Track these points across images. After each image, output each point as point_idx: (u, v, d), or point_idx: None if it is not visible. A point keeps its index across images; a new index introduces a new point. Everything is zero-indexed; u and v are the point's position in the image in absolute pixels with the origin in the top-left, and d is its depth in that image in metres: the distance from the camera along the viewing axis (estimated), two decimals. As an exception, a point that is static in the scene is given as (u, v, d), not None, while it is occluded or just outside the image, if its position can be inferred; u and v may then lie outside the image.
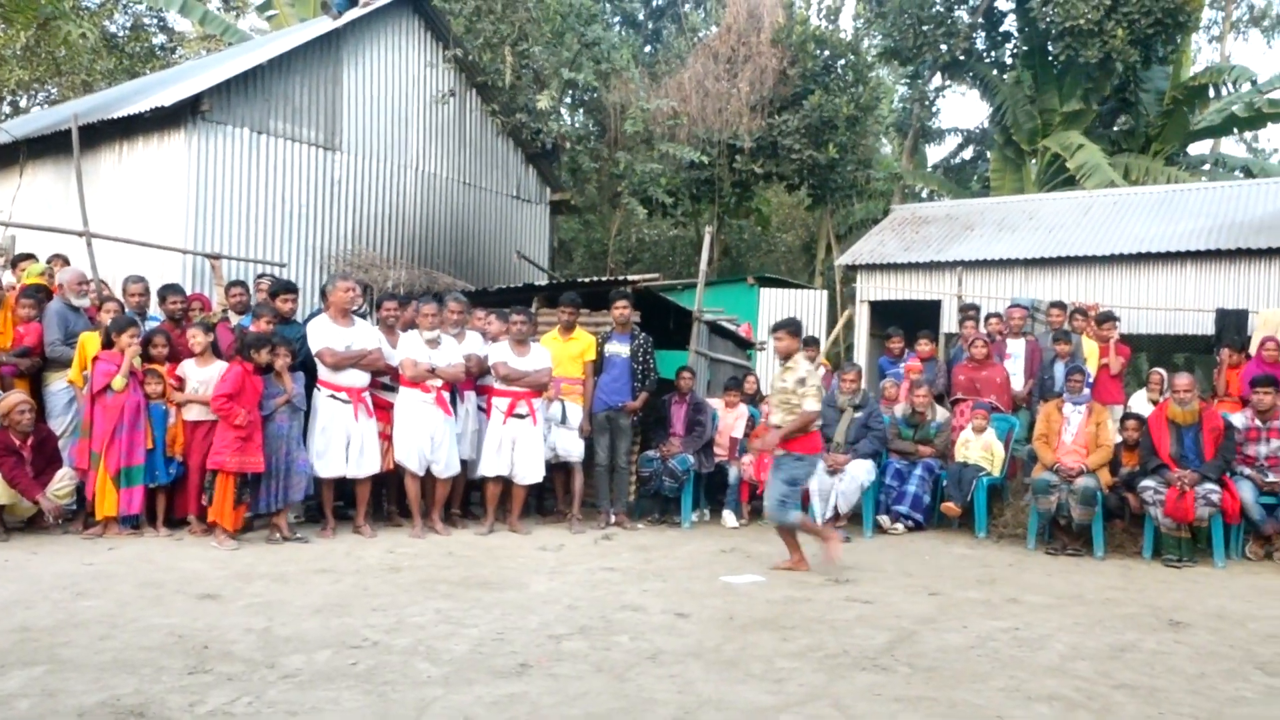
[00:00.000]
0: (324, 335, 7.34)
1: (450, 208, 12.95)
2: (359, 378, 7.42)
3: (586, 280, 10.63)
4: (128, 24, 21.88)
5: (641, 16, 23.77)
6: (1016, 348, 9.66)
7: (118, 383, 6.81)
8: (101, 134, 10.45)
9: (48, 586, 5.38)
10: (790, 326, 6.64)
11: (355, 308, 7.79)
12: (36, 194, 11.10)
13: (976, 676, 4.31)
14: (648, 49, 22.98)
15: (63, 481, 6.86)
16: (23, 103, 21.20)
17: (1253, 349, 9.66)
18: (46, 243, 9.31)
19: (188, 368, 7.28)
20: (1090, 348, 9.46)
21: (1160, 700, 4.07)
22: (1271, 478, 7.49)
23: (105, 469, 6.81)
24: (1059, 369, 8.95)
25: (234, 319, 8.14)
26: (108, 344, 7.03)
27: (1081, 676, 4.37)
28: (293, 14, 18.17)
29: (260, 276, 8.74)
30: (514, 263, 13.74)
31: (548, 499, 8.68)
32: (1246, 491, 7.40)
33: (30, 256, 8.64)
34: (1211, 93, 20.50)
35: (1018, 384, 9.46)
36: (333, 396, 7.31)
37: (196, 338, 7.28)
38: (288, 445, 6.99)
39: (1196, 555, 7.41)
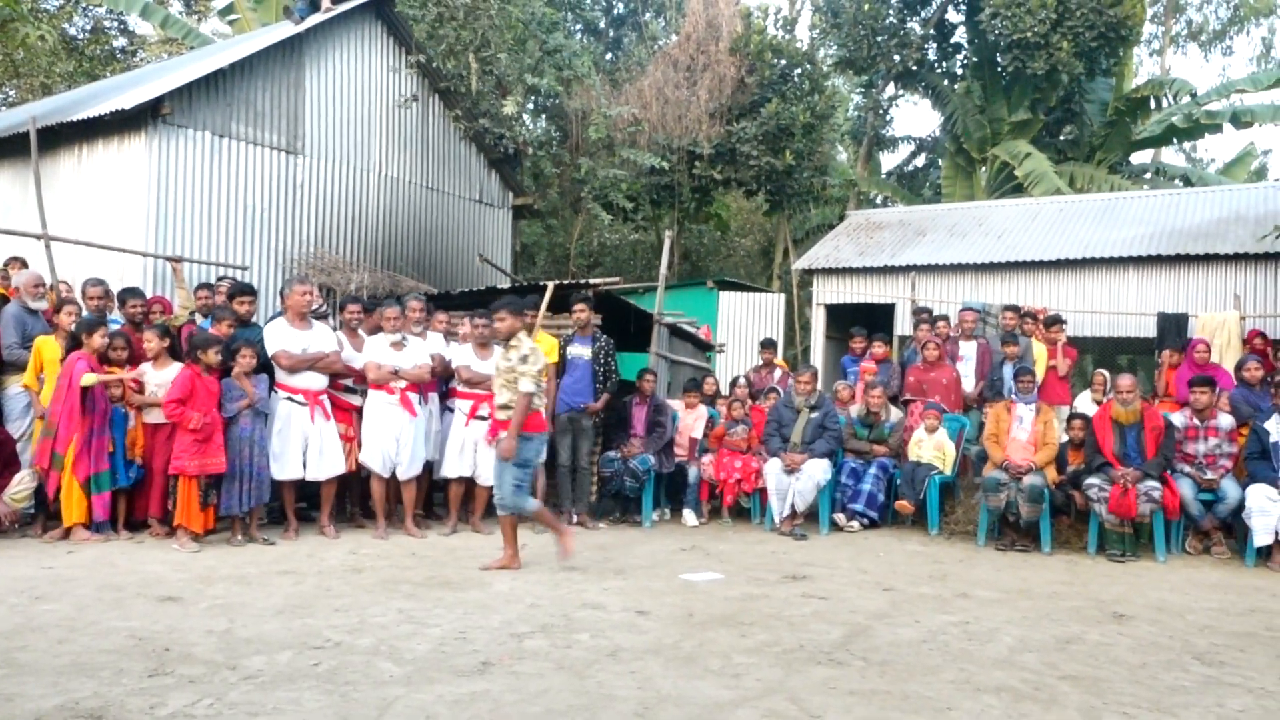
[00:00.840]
0: (280, 338, 7.34)
1: (413, 212, 12.95)
2: (316, 380, 7.42)
3: (548, 284, 10.66)
4: (88, 26, 21.56)
5: (603, 25, 23.86)
6: (968, 350, 9.89)
7: (88, 379, 6.77)
8: (61, 137, 10.31)
9: (4, 590, 5.32)
10: (510, 306, 6.39)
11: (315, 309, 7.78)
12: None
13: (928, 669, 4.43)
14: (609, 56, 23.08)
15: (21, 485, 6.79)
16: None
17: (1215, 352, 10.01)
18: (4, 245, 9.18)
19: (146, 371, 7.24)
20: (1039, 350, 9.71)
21: (1104, 690, 4.22)
22: (1209, 474, 7.75)
23: (74, 475, 6.75)
24: (1008, 370, 9.18)
25: (199, 321, 8.11)
26: (75, 346, 6.98)
27: (1029, 668, 4.51)
28: (255, 18, 18.00)
29: (220, 279, 8.70)
30: (477, 266, 13.75)
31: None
32: (1186, 489, 7.65)
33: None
34: (1152, 104, 21.04)
35: (969, 385, 9.68)
36: (289, 399, 7.31)
37: (150, 341, 7.24)
38: (251, 449, 6.98)
39: (1138, 550, 7.65)
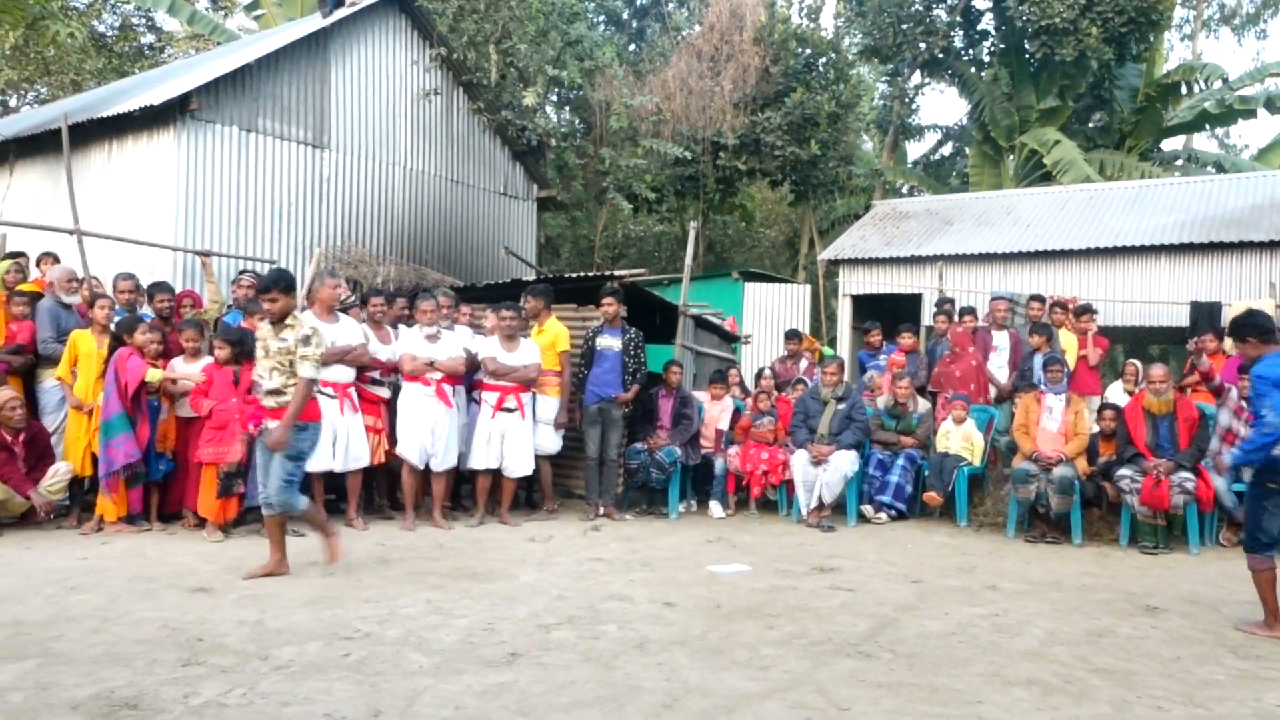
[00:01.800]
0: (310, 332, 7.39)
1: (438, 204, 13.00)
2: (344, 373, 7.46)
3: (573, 275, 10.69)
4: (116, 24, 21.80)
5: (625, 15, 23.82)
6: (1001, 340, 9.80)
7: (153, 374, 6.94)
8: (91, 133, 10.45)
9: (40, 581, 5.41)
10: (281, 283, 5.64)
11: (342, 302, 7.85)
12: (26, 193, 11.09)
13: (956, 662, 4.40)
14: (632, 47, 23.05)
15: (56, 476, 6.90)
16: (12, 102, 21.12)
17: (1229, 341, 9.83)
18: (37, 241, 9.32)
19: (177, 365, 7.33)
20: (1069, 340, 9.60)
21: (1135, 684, 4.18)
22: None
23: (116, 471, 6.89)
24: (1038, 360, 9.09)
25: (225, 314, 8.20)
26: (116, 343, 7.11)
27: (1059, 661, 4.47)
28: (280, 14, 18.13)
29: (241, 273, 8.78)
30: (501, 259, 13.79)
31: (535, 492, 8.76)
32: (1219, 480, 7.55)
33: (21, 254, 8.66)
34: (1184, 90, 20.75)
35: (1002, 376, 9.60)
36: (319, 391, 7.34)
37: (192, 340, 7.37)
38: None
39: (1171, 542, 7.56)
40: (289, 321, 5.63)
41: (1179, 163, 22.40)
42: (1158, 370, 7.81)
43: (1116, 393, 9.05)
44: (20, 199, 11.06)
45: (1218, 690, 4.15)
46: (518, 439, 7.85)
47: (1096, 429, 8.22)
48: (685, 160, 16.92)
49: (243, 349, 7.13)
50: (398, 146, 12.46)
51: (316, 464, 7.26)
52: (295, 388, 5.57)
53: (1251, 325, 5.27)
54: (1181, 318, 12.31)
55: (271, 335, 5.64)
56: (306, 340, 5.54)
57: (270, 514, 5.71)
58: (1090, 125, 21.91)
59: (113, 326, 7.30)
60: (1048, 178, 19.12)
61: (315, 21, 11.68)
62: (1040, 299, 10.39)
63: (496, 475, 7.96)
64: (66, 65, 18.20)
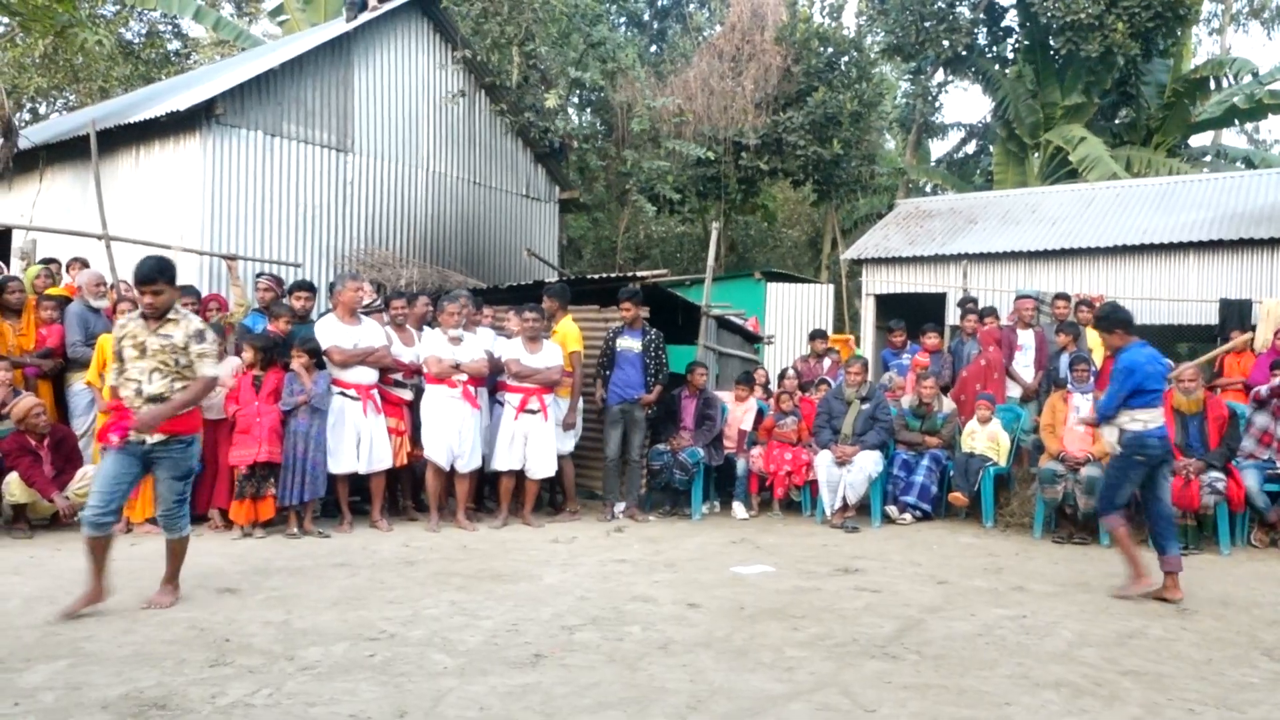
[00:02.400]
0: (332, 333, 7.45)
1: (461, 207, 13.05)
2: (367, 375, 7.53)
3: (595, 277, 10.69)
4: (143, 31, 22.09)
5: (646, 16, 23.82)
6: (1027, 339, 9.72)
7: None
8: (119, 139, 10.57)
9: (71, 582, 5.45)
10: (167, 274, 4.91)
11: (367, 304, 7.90)
12: (56, 198, 11.24)
13: (984, 664, 4.37)
14: (653, 48, 23.04)
15: (83, 481, 6.96)
16: (42, 109, 21.43)
17: (1260, 338, 9.73)
18: (67, 246, 9.44)
19: (199, 368, 7.42)
20: (1095, 339, 9.50)
21: (1167, 686, 4.13)
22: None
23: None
24: (1064, 360, 9.00)
25: (245, 319, 8.26)
26: None
27: (1088, 663, 4.42)
28: (304, 19, 18.29)
29: (259, 275, 8.83)
30: (524, 260, 13.83)
31: (557, 493, 8.77)
32: (1251, 480, 7.45)
33: (53, 260, 8.78)
34: (1212, 85, 20.51)
35: (1028, 376, 9.52)
36: (342, 393, 7.41)
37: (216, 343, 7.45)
38: (306, 443, 7.09)
39: (1201, 543, 7.47)
40: (171, 316, 4.94)
41: (1207, 159, 22.14)
42: (1187, 369, 7.72)
43: (1145, 392, 8.92)
44: (51, 204, 11.21)
45: (1251, 693, 4.09)
46: (540, 440, 7.87)
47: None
48: (707, 161, 16.90)
49: (269, 353, 7.23)
50: (420, 149, 12.52)
51: (341, 466, 7.33)
52: (191, 388, 4.91)
53: (1118, 319, 6.12)
54: (1211, 316, 12.16)
55: (147, 332, 4.92)
56: (201, 336, 4.96)
57: (91, 535, 4.82)
58: (1116, 121, 21.70)
59: None
60: (1073, 175, 18.95)
61: (338, 26, 11.77)
62: (1065, 297, 10.29)
63: (519, 477, 7.97)
64: (94, 72, 18.45)
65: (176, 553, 5.18)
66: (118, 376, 5.00)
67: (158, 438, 4.88)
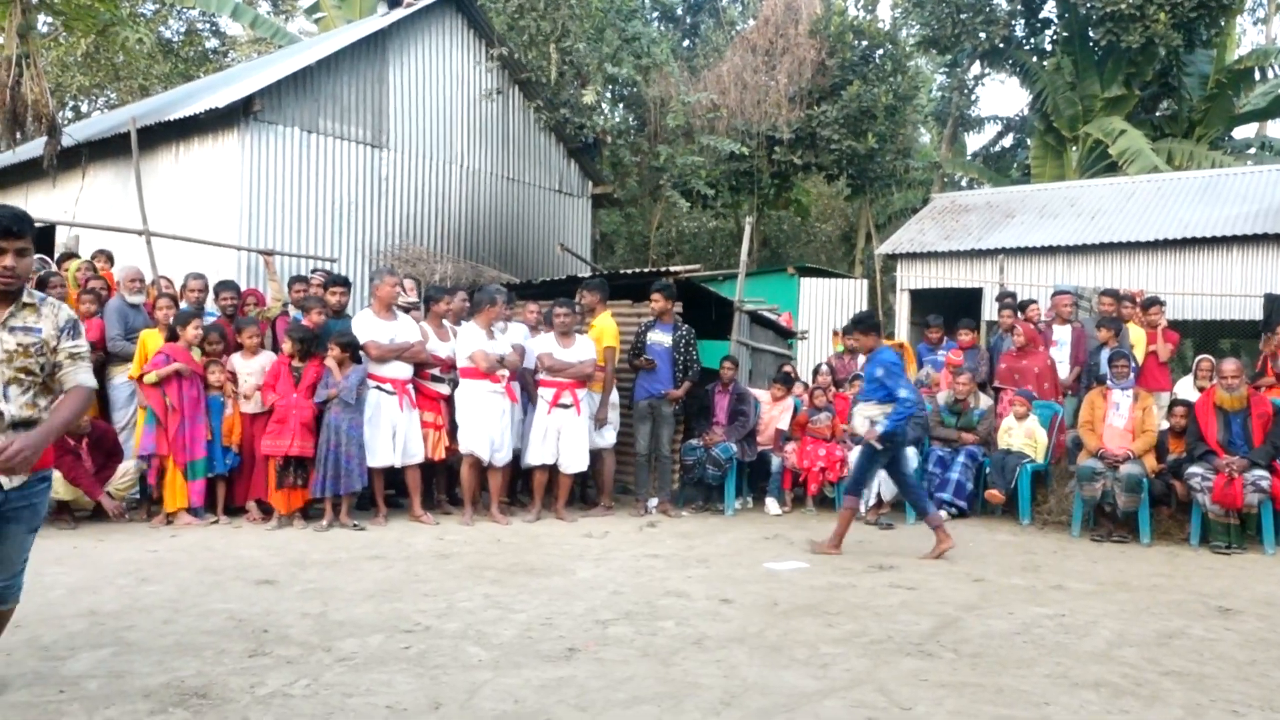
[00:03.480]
0: (368, 329, 7.51)
1: (495, 202, 13.10)
2: (403, 370, 7.58)
3: (628, 272, 10.70)
4: (182, 29, 22.43)
5: (680, 11, 23.76)
6: (1063, 334, 9.60)
7: (149, 377, 7.11)
8: (159, 136, 10.72)
9: (113, 572, 5.56)
10: (29, 227, 3.32)
11: (405, 304, 7.97)
12: (98, 195, 11.42)
13: (1022, 663, 4.32)
14: (686, 43, 22.98)
15: (125, 476, 7.10)
16: (84, 107, 21.80)
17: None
18: (108, 242, 9.60)
19: (236, 361, 7.52)
20: (1137, 334, 9.37)
21: (1209, 687, 4.06)
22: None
23: (175, 463, 7.07)
24: (1104, 355, 8.88)
25: (293, 312, 8.37)
26: (173, 338, 7.32)
27: (1129, 663, 4.36)
28: (340, 15, 18.45)
29: (314, 271, 8.96)
30: (557, 256, 13.86)
31: (590, 488, 8.79)
32: (1299, 478, 7.30)
33: (74, 256, 8.92)
34: (1257, 75, 20.13)
35: (1064, 371, 9.40)
36: (379, 388, 7.47)
37: (253, 336, 7.54)
38: (338, 436, 7.16)
39: (1245, 542, 7.33)
40: (28, 300, 3.34)
41: (1251, 151, 21.71)
42: (1230, 365, 7.58)
43: (1186, 388, 8.80)
44: (93, 201, 11.39)
45: (1297, 695, 4.01)
46: (573, 435, 7.89)
47: (1166, 425, 8.00)
48: (740, 155, 16.84)
49: (309, 345, 7.32)
50: (455, 145, 12.58)
51: (377, 459, 7.39)
52: (67, 403, 3.34)
53: (865, 322, 7.00)
54: (1255, 310, 11.92)
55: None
56: (75, 329, 3.42)
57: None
58: (1157, 114, 21.34)
59: (170, 321, 7.51)
60: (1113, 169, 18.68)
61: (374, 23, 11.86)
62: (1113, 294, 10.13)
63: (553, 471, 8.00)
64: (135, 70, 18.76)
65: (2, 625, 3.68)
66: None
67: (17, 480, 3.29)
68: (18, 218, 3.28)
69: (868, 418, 6.76)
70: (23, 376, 3.30)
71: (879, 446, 6.70)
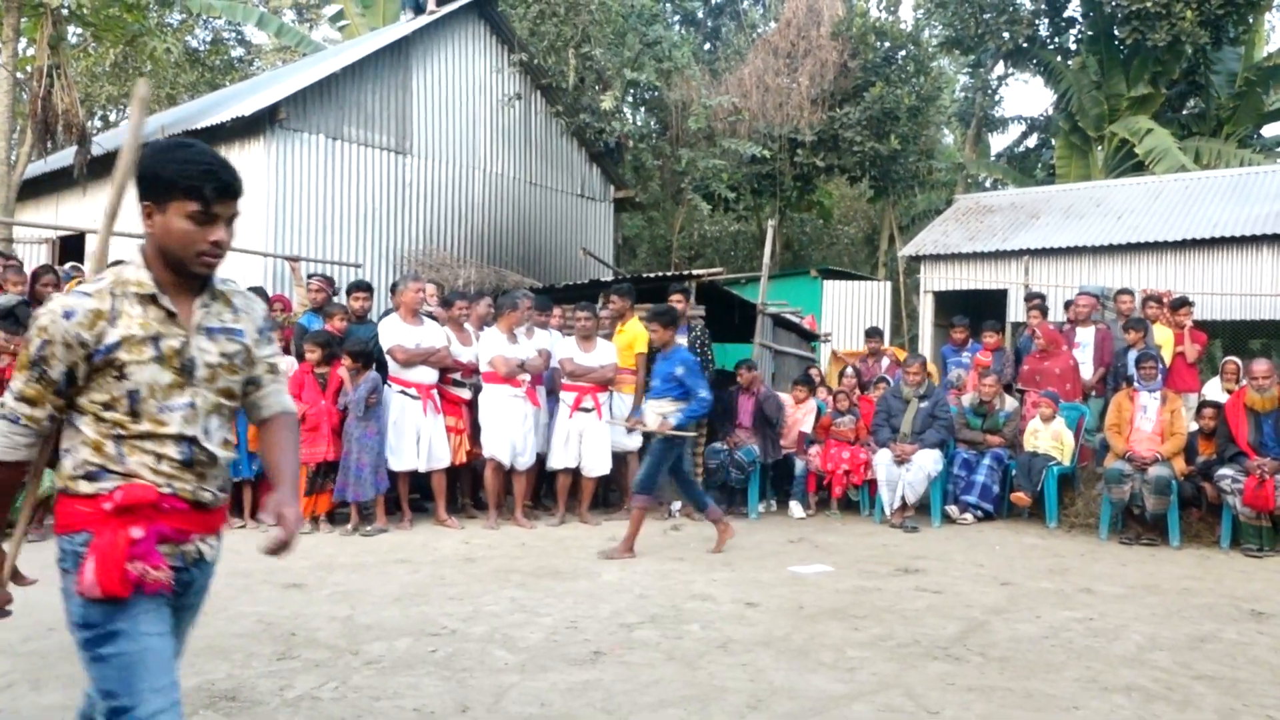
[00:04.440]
0: (394, 333, 7.56)
1: (517, 207, 13.16)
2: (428, 374, 7.63)
3: (651, 275, 10.71)
4: (208, 38, 22.69)
5: (701, 15, 23.77)
6: (1086, 336, 9.52)
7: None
8: (185, 144, 10.83)
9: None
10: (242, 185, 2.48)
11: (426, 306, 8.00)
12: (127, 203, 11.52)
13: (1051, 667, 4.29)
14: (707, 47, 22.99)
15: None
16: (112, 117, 22.06)
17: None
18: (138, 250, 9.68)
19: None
20: (1164, 335, 9.27)
21: (1243, 691, 4.02)
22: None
23: None
24: (1131, 357, 8.79)
25: (300, 319, 8.40)
26: None
27: (1160, 667, 4.32)
28: (364, 23, 18.60)
29: (311, 276, 8.95)
30: (580, 260, 13.90)
31: (613, 491, 8.80)
32: (1330, 481, 7.19)
33: (120, 263, 9.00)
34: (1286, 73, 19.85)
35: (1087, 373, 9.32)
36: (403, 392, 7.52)
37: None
38: (351, 445, 7.22)
39: (1277, 544, 7.23)
40: (221, 286, 2.44)
41: (1281, 149, 21.44)
42: (1261, 365, 7.49)
43: (1215, 390, 8.70)
44: (122, 209, 11.51)
45: (1332, 700, 3.96)
46: (595, 439, 7.90)
47: (1195, 427, 7.91)
48: (762, 158, 16.82)
49: (331, 351, 7.39)
50: (478, 151, 12.64)
51: (402, 464, 7.44)
52: (288, 443, 2.46)
53: (664, 316, 6.88)
54: (1286, 311, 11.79)
55: (186, 328, 2.28)
56: (271, 329, 2.55)
57: None
58: (1185, 112, 21.09)
59: None
60: (1139, 168, 18.48)
61: (398, 30, 11.93)
62: (1129, 292, 10.04)
63: (576, 474, 8.02)
64: (162, 79, 18.97)
65: None
66: (106, 426, 2.16)
67: (210, 544, 2.37)
68: (236, 174, 2.37)
69: (661, 414, 6.74)
70: (224, 402, 2.31)
71: (675, 435, 6.65)
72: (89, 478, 2.14)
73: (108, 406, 2.14)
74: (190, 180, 2.22)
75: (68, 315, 2.13)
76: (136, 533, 2.13)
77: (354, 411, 7.25)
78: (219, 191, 2.25)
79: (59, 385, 2.13)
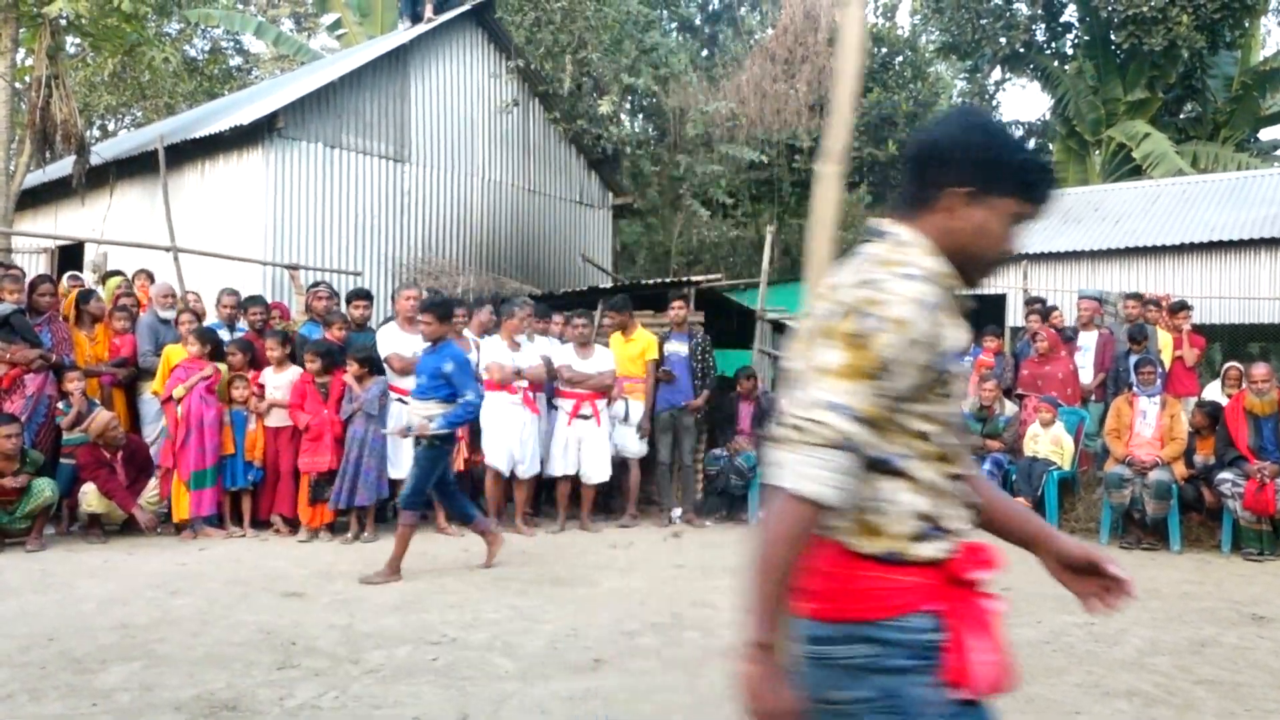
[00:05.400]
0: (391, 342, 7.56)
1: (516, 214, 13.16)
2: (425, 382, 7.61)
3: (650, 282, 10.72)
4: (206, 48, 22.71)
5: (698, 22, 23.81)
6: (1087, 340, 9.52)
7: (178, 391, 7.19)
8: (185, 153, 10.84)
9: (143, 585, 5.61)
10: None
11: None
12: (126, 212, 11.55)
13: (1052, 671, 4.28)
14: (705, 53, 23.01)
15: (154, 489, 7.19)
16: (111, 126, 22.08)
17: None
18: (137, 258, 9.71)
19: (267, 375, 7.58)
20: (1164, 339, 9.27)
21: (1244, 696, 4.01)
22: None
23: (178, 473, 7.14)
24: (1133, 361, 8.79)
25: (299, 327, 8.40)
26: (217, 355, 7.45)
27: (1160, 672, 4.31)
28: (361, 32, 18.62)
29: (314, 285, 8.97)
30: (579, 266, 13.89)
31: (615, 498, 8.78)
32: (1331, 484, 7.19)
33: (118, 273, 9.03)
34: (1283, 76, 19.92)
35: (1087, 377, 9.31)
36: (400, 400, 7.51)
37: (274, 349, 7.59)
38: (361, 449, 7.20)
39: (1278, 548, 7.23)
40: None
41: (1278, 152, 21.48)
42: (1260, 369, 7.50)
43: (1214, 393, 8.70)
44: (121, 218, 11.52)
45: (1334, 704, 3.95)
46: (594, 445, 7.90)
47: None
48: (760, 164, 16.84)
49: (332, 360, 7.37)
50: (476, 158, 12.65)
51: (402, 472, 7.41)
52: None
53: (438, 306, 6.22)
54: (1284, 314, 11.80)
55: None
56: None
57: None
58: (1182, 116, 21.15)
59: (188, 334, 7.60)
60: (1137, 173, 18.52)
61: (396, 38, 11.94)
62: (1138, 297, 10.03)
63: (576, 481, 8.01)
64: (161, 89, 18.98)
65: None
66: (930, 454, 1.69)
67: None
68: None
69: (425, 416, 6.03)
70: None
71: (434, 443, 5.99)
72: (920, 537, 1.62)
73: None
74: (1034, 178, 1.74)
75: (925, 305, 1.57)
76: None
77: (366, 410, 7.24)
78: (1046, 200, 1.78)
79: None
